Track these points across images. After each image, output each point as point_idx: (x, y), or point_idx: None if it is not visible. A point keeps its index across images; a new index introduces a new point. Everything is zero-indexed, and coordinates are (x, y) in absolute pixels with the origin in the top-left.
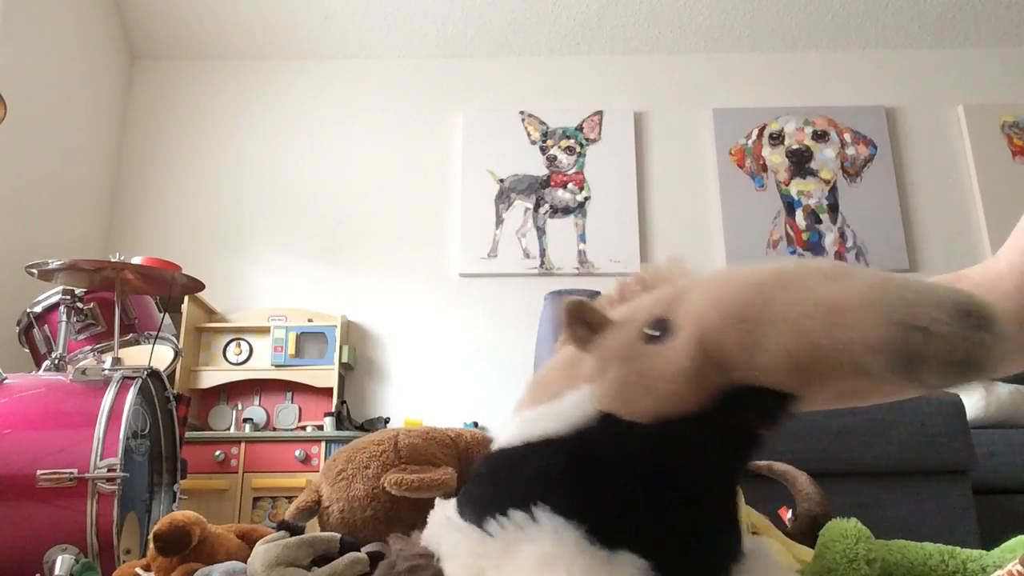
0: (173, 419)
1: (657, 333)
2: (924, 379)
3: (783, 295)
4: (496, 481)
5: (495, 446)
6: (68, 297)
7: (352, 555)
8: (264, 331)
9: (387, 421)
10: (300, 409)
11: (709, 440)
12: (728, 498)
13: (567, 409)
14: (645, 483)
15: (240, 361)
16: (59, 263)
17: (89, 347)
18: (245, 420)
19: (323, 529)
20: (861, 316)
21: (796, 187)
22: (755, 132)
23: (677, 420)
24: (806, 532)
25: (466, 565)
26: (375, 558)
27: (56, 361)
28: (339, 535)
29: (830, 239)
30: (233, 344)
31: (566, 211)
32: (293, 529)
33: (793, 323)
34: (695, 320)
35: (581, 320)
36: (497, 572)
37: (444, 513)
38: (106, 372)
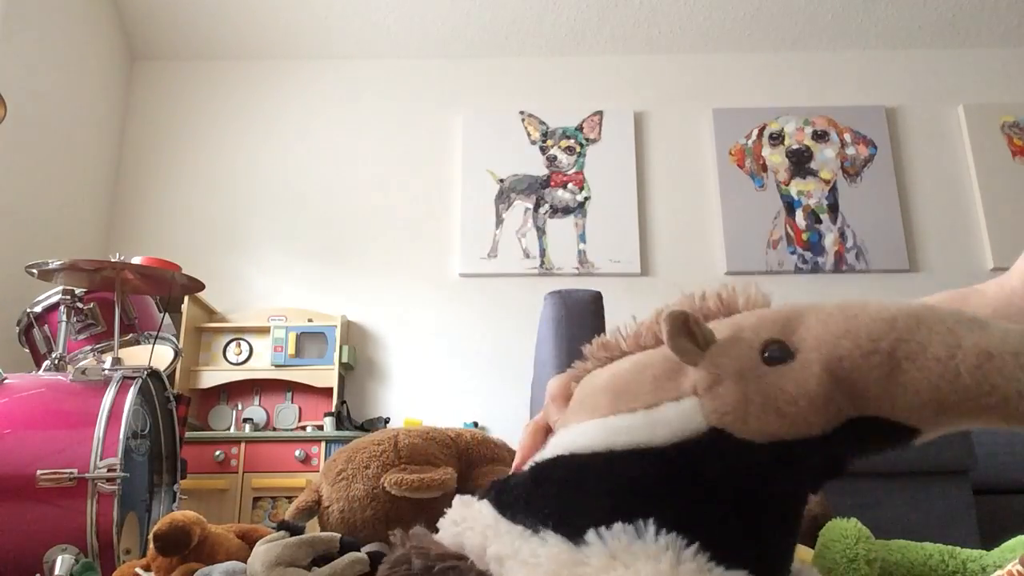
0: (173, 419)
1: (777, 355)
2: None
3: (925, 334)
4: (581, 488)
5: (556, 451)
6: (68, 297)
7: (352, 555)
8: (264, 331)
9: (387, 421)
10: (300, 409)
11: (816, 462)
12: (800, 515)
13: (669, 420)
14: (748, 501)
15: (240, 361)
16: (59, 263)
17: (89, 347)
18: (245, 420)
19: (323, 529)
20: (1012, 364)
21: (796, 187)
22: (755, 132)
23: (793, 442)
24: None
25: (552, 573)
26: (375, 558)
27: (56, 361)
28: (339, 535)
29: (830, 239)
30: (233, 344)
31: (566, 211)
32: (293, 529)
33: (943, 363)
34: (820, 346)
35: (687, 332)
36: None
37: (484, 513)
38: (106, 372)
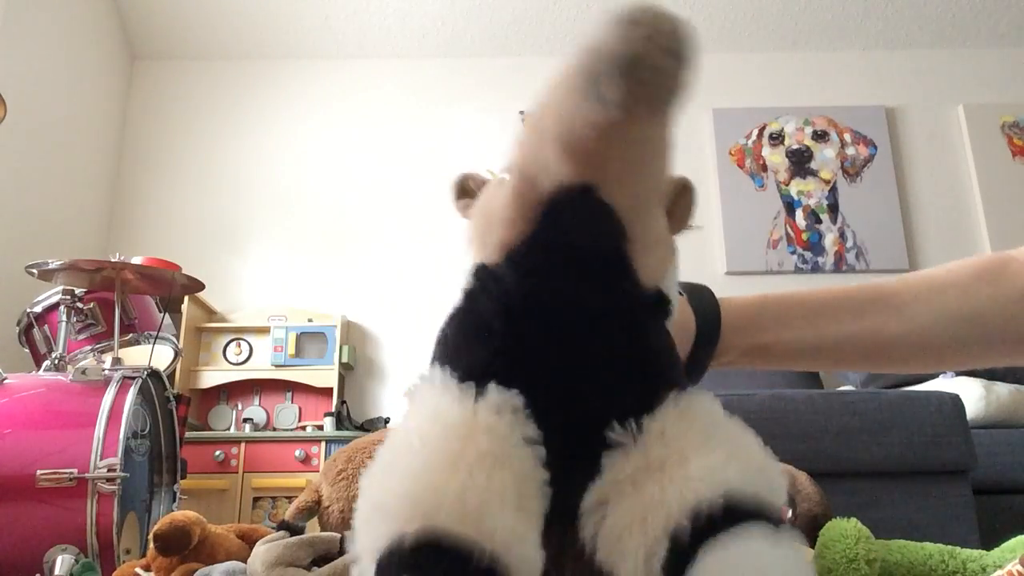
0: (173, 419)
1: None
2: (606, 96)
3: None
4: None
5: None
6: (68, 297)
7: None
8: (264, 331)
9: (387, 421)
10: (300, 409)
11: (562, 265)
12: (640, 342)
13: (464, 276)
14: (513, 322)
15: (240, 361)
16: (59, 263)
17: (89, 347)
18: (245, 420)
19: (323, 529)
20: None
21: (796, 187)
22: (755, 132)
23: (520, 249)
24: (806, 532)
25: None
26: None
27: (56, 361)
28: (339, 535)
29: (830, 239)
30: (233, 344)
31: None
32: (293, 529)
33: (552, 114)
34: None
35: (466, 190)
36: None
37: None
38: (106, 372)
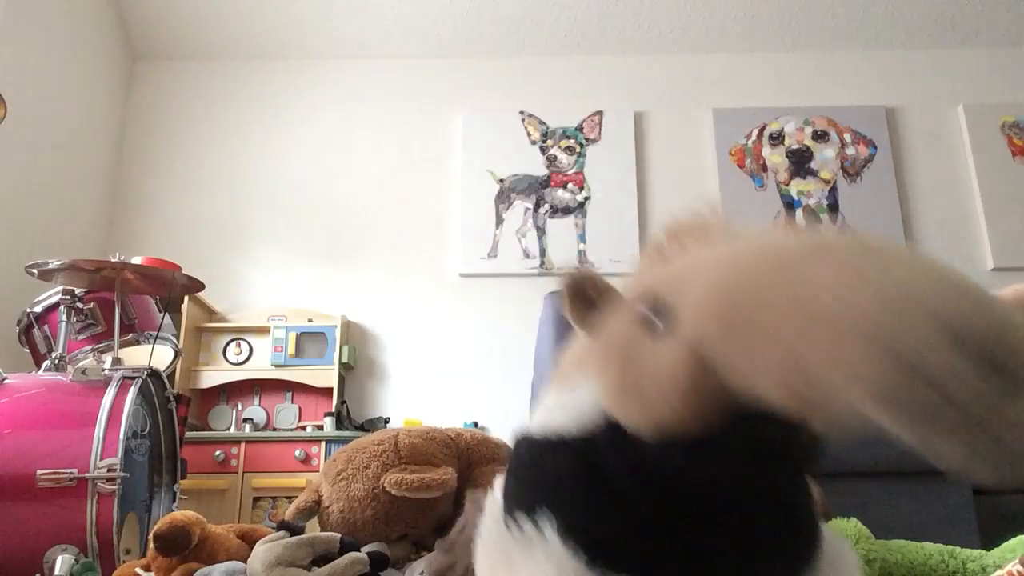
0: (173, 419)
1: (657, 321)
2: (930, 440)
3: (786, 291)
4: (519, 476)
5: (527, 432)
6: (68, 297)
7: (352, 555)
8: (264, 331)
9: (387, 421)
10: (300, 409)
11: (727, 460)
12: (776, 509)
13: (577, 404)
14: (657, 500)
15: (240, 361)
16: (59, 263)
17: (89, 347)
18: (245, 420)
19: (323, 529)
20: (859, 336)
21: (796, 187)
22: (755, 132)
23: (682, 443)
24: None
25: (488, 552)
26: (375, 558)
27: (56, 361)
28: (339, 535)
29: None
30: (233, 344)
31: (566, 211)
32: (293, 529)
33: (788, 333)
34: (694, 312)
35: (583, 296)
36: (507, 572)
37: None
38: (106, 372)
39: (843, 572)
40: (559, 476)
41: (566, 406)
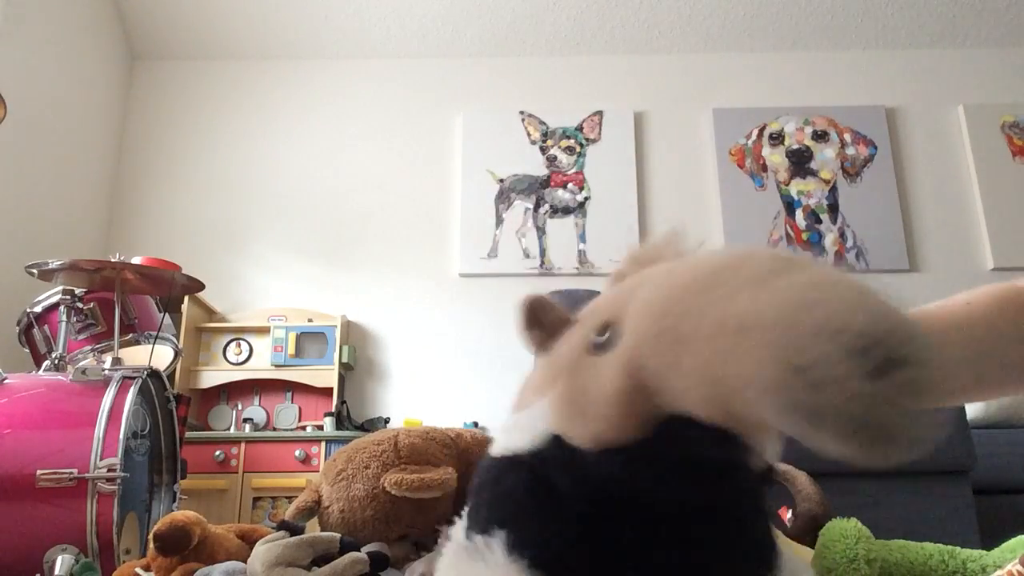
0: (173, 419)
1: (602, 340)
2: (824, 441)
3: (705, 304)
4: (478, 496)
5: (490, 452)
6: (68, 297)
7: (352, 555)
8: (264, 331)
9: (387, 421)
10: (300, 409)
11: (666, 469)
12: (721, 522)
13: (530, 424)
14: (597, 510)
15: (240, 361)
16: (59, 263)
17: (89, 347)
18: (245, 420)
19: (323, 529)
20: (757, 343)
21: (796, 187)
22: (755, 132)
23: (618, 449)
24: (806, 532)
25: (448, 568)
26: (375, 558)
27: (56, 361)
28: (339, 535)
29: (830, 239)
30: (233, 344)
31: (566, 211)
32: (293, 529)
33: (702, 344)
34: (629, 328)
35: (536, 321)
36: None
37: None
38: (106, 372)
39: None
40: (511, 493)
41: (521, 426)
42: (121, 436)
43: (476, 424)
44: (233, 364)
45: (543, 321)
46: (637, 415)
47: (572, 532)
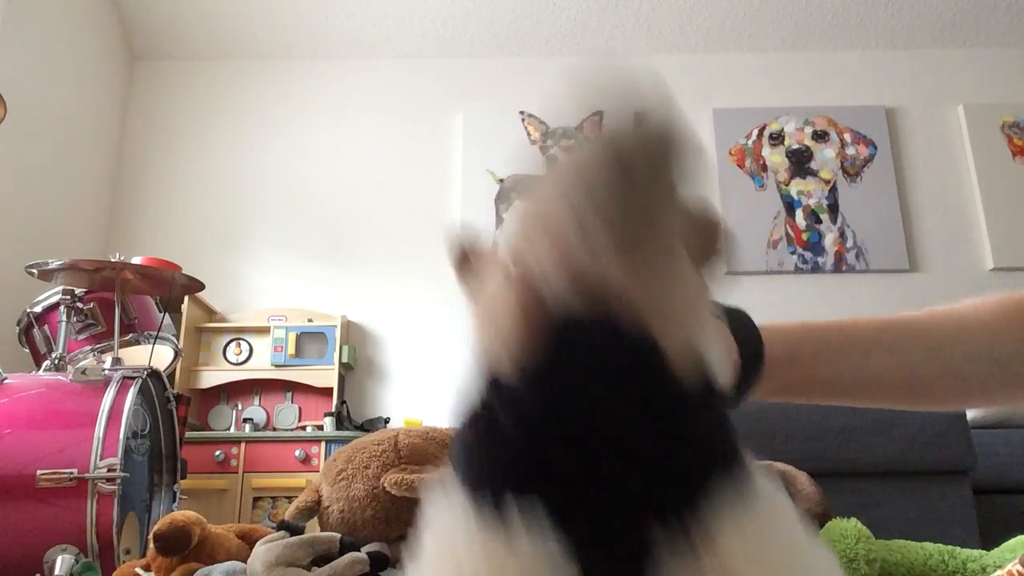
0: (173, 419)
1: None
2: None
3: (537, 211)
4: (453, 460)
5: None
6: (68, 297)
7: (352, 555)
8: (264, 331)
9: (387, 421)
10: (300, 409)
11: (586, 385)
12: (674, 436)
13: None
14: (528, 430)
15: (240, 361)
16: (59, 263)
17: (89, 347)
18: (245, 420)
19: (323, 529)
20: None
21: (796, 187)
22: (755, 132)
23: (535, 373)
24: None
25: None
26: (375, 558)
27: (56, 361)
28: (339, 535)
29: (830, 239)
30: (233, 344)
31: None
32: (293, 529)
33: (542, 247)
34: (508, 246)
35: (465, 261)
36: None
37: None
38: (106, 372)
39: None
40: (466, 442)
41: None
42: (121, 436)
43: None
44: (233, 364)
45: (473, 265)
46: (535, 328)
47: (508, 454)
